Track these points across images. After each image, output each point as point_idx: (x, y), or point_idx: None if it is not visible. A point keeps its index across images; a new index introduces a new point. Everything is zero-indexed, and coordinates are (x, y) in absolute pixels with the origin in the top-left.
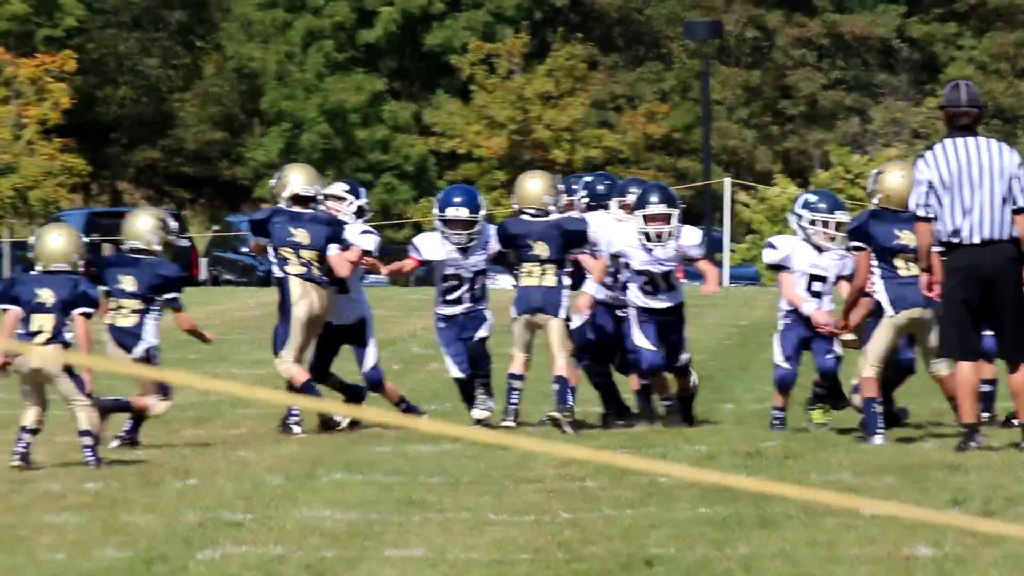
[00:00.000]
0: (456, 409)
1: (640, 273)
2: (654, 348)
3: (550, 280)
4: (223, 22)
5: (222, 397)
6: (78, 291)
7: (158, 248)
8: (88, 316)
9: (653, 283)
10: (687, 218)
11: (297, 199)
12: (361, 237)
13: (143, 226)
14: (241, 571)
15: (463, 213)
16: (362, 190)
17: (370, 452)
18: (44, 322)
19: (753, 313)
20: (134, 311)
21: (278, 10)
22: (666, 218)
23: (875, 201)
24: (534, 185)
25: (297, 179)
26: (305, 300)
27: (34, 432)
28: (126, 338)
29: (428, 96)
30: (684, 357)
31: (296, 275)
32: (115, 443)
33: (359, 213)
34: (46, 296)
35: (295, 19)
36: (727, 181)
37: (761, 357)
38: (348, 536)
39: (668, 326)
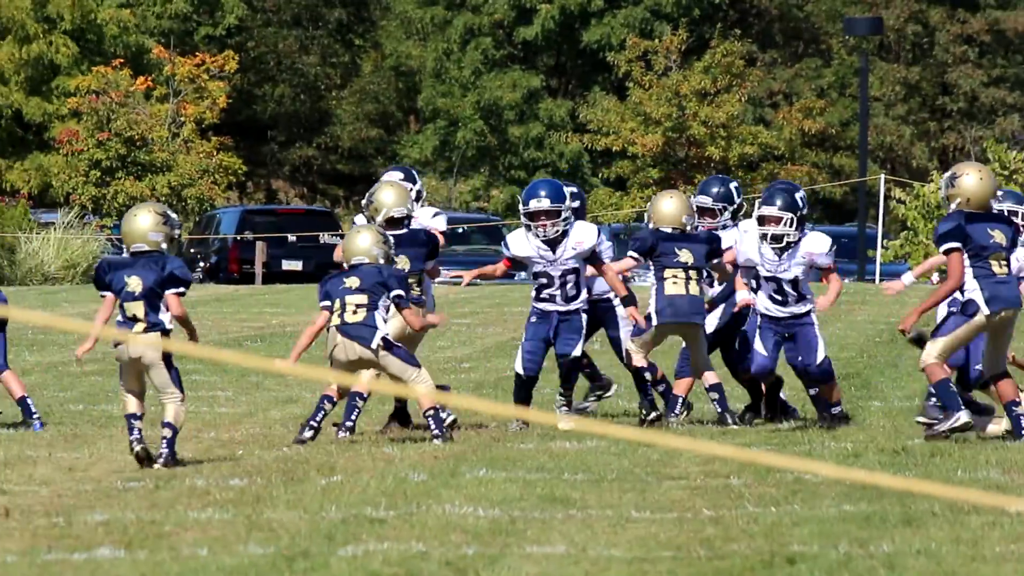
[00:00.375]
0: (600, 407)
1: (769, 280)
2: (766, 353)
3: (695, 288)
4: (382, 20)
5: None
6: (165, 273)
7: (383, 261)
8: (181, 295)
9: (782, 291)
10: (841, 215)
11: (392, 222)
12: (434, 220)
13: (364, 243)
14: (382, 568)
15: (545, 204)
16: (415, 174)
17: (514, 449)
18: (136, 310)
19: (903, 311)
20: (359, 306)
21: (437, 8)
22: (776, 220)
23: (952, 206)
24: (669, 206)
25: (389, 201)
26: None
27: (140, 417)
28: (362, 330)
29: (584, 93)
30: (822, 358)
31: None
32: (308, 432)
33: (417, 197)
34: (134, 284)
35: (454, 17)
36: (882, 178)
37: (910, 354)
38: (490, 533)
39: (794, 331)
